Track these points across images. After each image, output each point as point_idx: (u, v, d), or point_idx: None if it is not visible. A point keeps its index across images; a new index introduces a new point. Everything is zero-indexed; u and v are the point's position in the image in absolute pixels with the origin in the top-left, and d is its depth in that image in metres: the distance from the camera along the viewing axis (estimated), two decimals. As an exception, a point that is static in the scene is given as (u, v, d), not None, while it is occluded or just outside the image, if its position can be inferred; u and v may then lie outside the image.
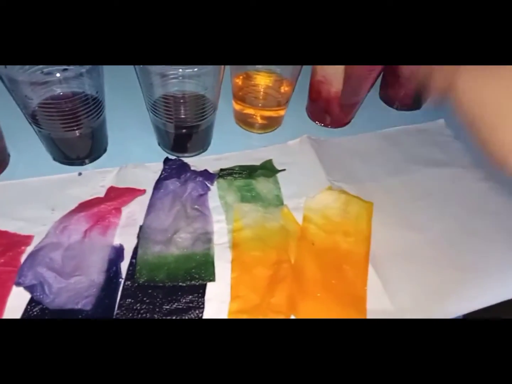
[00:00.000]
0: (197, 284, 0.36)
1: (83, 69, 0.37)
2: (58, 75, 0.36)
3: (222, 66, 0.41)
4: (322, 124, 0.51)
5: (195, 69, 0.37)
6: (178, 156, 0.46)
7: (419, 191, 0.45)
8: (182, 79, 0.40)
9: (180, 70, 0.38)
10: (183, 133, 0.44)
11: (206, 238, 0.39)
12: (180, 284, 0.36)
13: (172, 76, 0.40)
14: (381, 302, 0.37)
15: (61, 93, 0.40)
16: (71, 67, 0.36)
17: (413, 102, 0.54)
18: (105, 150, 0.46)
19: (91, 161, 0.45)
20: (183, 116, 0.42)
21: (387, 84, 0.54)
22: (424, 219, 0.43)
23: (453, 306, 0.37)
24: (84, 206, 0.40)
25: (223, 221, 0.41)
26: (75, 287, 0.35)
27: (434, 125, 0.52)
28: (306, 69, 0.48)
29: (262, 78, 0.48)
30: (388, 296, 0.37)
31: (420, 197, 0.45)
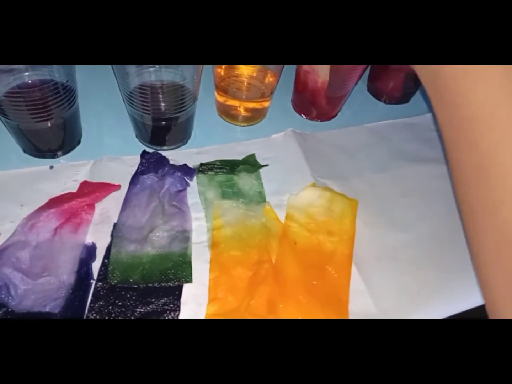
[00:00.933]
0: (173, 285, 0.34)
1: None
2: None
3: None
4: (308, 117, 0.50)
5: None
6: (156, 149, 0.44)
7: (406, 188, 0.44)
8: (159, 68, 0.38)
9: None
10: (161, 125, 0.41)
11: (184, 236, 0.37)
12: (155, 285, 0.34)
13: (149, 66, 0.38)
14: (364, 304, 0.35)
15: (29, 81, 0.37)
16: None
17: (402, 95, 0.52)
18: (78, 142, 0.43)
19: (64, 154, 0.42)
20: (161, 107, 0.40)
21: (375, 75, 0.52)
22: (410, 217, 0.42)
23: (438, 308, 0.36)
24: (55, 202, 0.38)
25: (202, 219, 0.39)
26: (43, 289, 0.33)
27: (422, 119, 0.51)
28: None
29: (245, 68, 0.46)
30: (371, 298, 0.36)
31: (407, 194, 0.44)
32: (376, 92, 0.53)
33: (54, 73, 0.37)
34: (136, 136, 0.45)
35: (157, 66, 0.38)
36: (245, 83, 0.46)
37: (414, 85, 0.51)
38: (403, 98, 0.53)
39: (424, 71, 0.26)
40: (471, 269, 0.38)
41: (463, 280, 0.37)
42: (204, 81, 0.45)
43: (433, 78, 0.26)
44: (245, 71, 0.46)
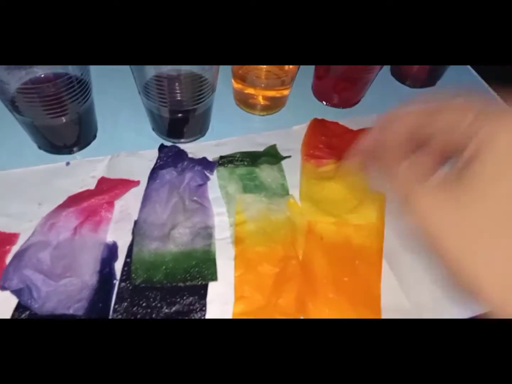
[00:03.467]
0: (198, 284, 0.33)
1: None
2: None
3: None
4: (330, 104, 0.48)
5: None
6: (174, 142, 0.42)
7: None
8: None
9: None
10: (178, 118, 0.40)
11: (207, 233, 0.36)
12: (180, 284, 0.33)
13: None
14: (397, 299, 0.34)
15: (42, 75, 0.36)
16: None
17: (428, 78, 0.50)
18: (94, 137, 0.42)
19: (80, 149, 0.41)
20: (178, 99, 0.39)
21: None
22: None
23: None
24: (73, 200, 0.36)
25: (225, 214, 0.38)
26: (66, 290, 0.32)
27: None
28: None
29: (264, 55, 0.43)
30: (404, 293, 0.34)
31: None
32: (400, 75, 0.51)
33: (68, 66, 0.35)
34: (153, 129, 0.43)
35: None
36: (264, 71, 0.44)
37: (441, 67, 0.49)
38: (429, 81, 0.50)
39: None
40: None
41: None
42: (221, 69, 0.43)
43: None
44: (264, 57, 0.44)
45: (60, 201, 0.37)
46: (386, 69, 0.51)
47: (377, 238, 0.37)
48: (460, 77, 0.52)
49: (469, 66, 0.54)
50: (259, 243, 0.36)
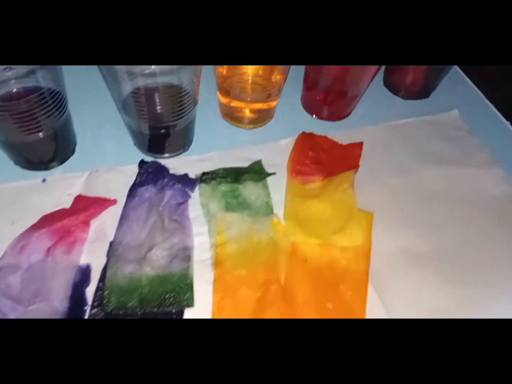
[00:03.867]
0: (173, 310, 0.32)
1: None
2: (7, 73, 0.30)
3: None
4: (319, 117, 0.46)
5: (165, 66, 0.32)
6: (156, 157, 0.41)
7: (429, 193, 0.40)
8: (153, 71, 0.35)
9: (153, 66, 0.32)
10: (159, 133, 0.38)
11: (185, 255, 0.35)
12: (154, 310, 0.32)
13: (142, 70, 0.34)
14: (383, 328, 0.32)
15: (14, 90, 0.34)
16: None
17: (422, 90, 0.48)
18: (73, 151, 0.41)
19: (58, 164, 0.40)
20: (158, 114, 0.37)
21: (393, 68, 0.48)
22: (434, 226, 0.38)
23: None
24: (47, 220, 0.35)
25: (205, 234, 0.36)
26: (34, 316, 0.31)
27: (446, 117, 0.46)
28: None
29: (250, 66, 0.42)
30: (391, 321, 0.32)
31: (430, 200, 0.40)
32: (393, 86, 0.49)
33: (39, 79, 0.34)
34: (134, 144, 0.42)
35: (151, 68, 0.34)
36: (250, 83, 0.42)
37: (436, 78, 0.47)
38: (423, 93, 0.48)
39: None
40: (502, 285, 0.35)
41: (497, 296, 0.34)
42: (207, 80, 0.42)
43: None
44: (250, 69, 0.42)
45: (35, 220, 0.35)
46: (379, 80, 0.50)
47: (364, 261, 0.35)
48: (455, 88, 0.50)
49: (465, 77, 0.52)
50: (239, 265, 0.34)
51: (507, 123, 0.46)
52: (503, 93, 0.52)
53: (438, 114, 0.46)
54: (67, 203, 0.37)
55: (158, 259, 0.34)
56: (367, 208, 0.38)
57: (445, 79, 0.48)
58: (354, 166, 0.40)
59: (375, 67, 0.41)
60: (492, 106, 0.48)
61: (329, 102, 0.44)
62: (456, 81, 0.51)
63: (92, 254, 0.34)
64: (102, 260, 0.34)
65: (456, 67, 0.52)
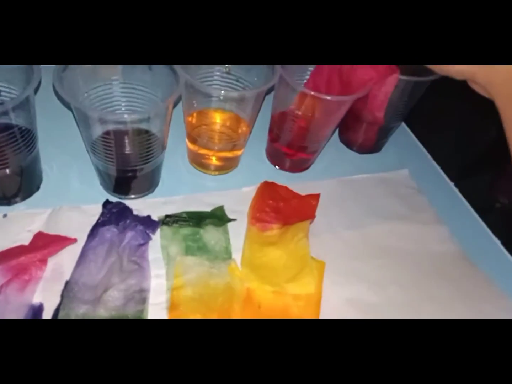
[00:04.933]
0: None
1: (10, 105, 0.33)
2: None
3: (171, 107, 0.37)
4: (281, 168, 0.49)
5: (137, 116, 0.34)
6: (120, 197, 0.42)
7: (378, 247, 0.43)
8: (122, 114, 0.36)
9: (125, 115, 0.34)
10: (126, 176, 0.40)
11: (141, 297, 0.35)
12: (104, 353, 0.32)
13: (113, 120, 0.36)
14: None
15: (-17, 127, 0.35)
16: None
17: (373, 145, 0.52)
18: (38, 188, 0.41)
19: (21, 200, 0.40)
20: (126, 158, 0.39)
21: (347, 127, 0.51)
22: (381, 280, 0.40)
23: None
24: (4, 256, 0.35)
25: (163, 276, 0.37)
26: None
27: (397, 175, 0.50)
28: (265, 108, 0.45)
29: (218, 116, 0.45)
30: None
31: (378, 254, 0.42)
32: (348, 142, 0.53)
33: (11, 118, 0.35)
34: (100, 184, 0.43)
35: (124, 117, 0.36)
36: (217, 132, 0.45)
37: (385, 135, 0.51)
38: (375, 147, 0.52)
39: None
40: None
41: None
42: (177, 124, 0.44)
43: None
44: (218, 119, 0.45)
45: (-9, 256, 0.35)
46: (335, 136, 0.54)
47: (314, 310, 0.37)
48: (404, 142, 0.55)
49: (411, 133, 0.57)
50: (194, 310, 0.35)
51: (451, 184, 0.51)
52: (448, 152, 0.58)
53: (389, 171, 0.50)
54: (26, 240, 0.37)
55: (113, 300, 0.34)
56: (320, 257, 0.40)
57: (395, 135, 0.52)
58: (311, 216, 0.43)
59: (332, 126, 0.45)
60: (438, 167, 0.53)
61: (290, 155, 0.47)
62: (404, 135, 0.56)
63: (46, 292, 0.34)
64: (56, 300, 0.34)
65: (403, 124, 0.56)
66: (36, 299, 0.34)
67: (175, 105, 0.41)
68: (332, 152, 0.51)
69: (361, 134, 0.50)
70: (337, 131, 0.53)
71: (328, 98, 0.39)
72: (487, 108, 0.31)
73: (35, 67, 0.34)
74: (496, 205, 0.56)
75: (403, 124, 0.56)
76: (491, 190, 0.59)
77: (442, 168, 0.53)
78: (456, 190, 0.50)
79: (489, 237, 0.46)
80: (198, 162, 0.46)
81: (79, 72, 0.37)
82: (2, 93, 0.37)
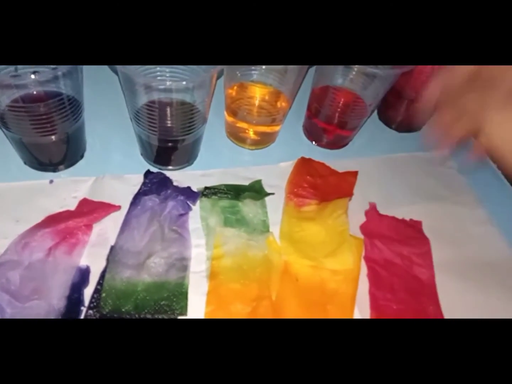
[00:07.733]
0: (165, 318, 0.33)
1: (60, 71, 0.33)
2: (31, 76, 0.32)
3: (214, 78, 0.37)
4: (318, 145, 0.48)
5: (184, 83, 0.34)
6: (160, 169, 0.42)
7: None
8: (169, 86, 0.36)
9: (168, 82, 0.34)
10: (167, 146, 0.40)
11: (182, 265, 0.36)
12: (148, 316, 0.33)
13: (158, 88, 0.36)
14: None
15: (34, 92, 0.36)
16: (45, 68, 0.33)
17: (412, 124, 0.50)
18: (82, 156, 0.42)
19: (66, 167, 0.41)
20: (168, 128, 0.39)
21: (387, 105, 0.50)
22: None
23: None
24: (51, 220, 0.36)
25: (203, 246, 0.38)
26: (31, 313, 0.31)
27: (438, 155, 0.49)
28: (304, 85, 0.44)
29: (258, 91, 0.44)
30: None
31: (416, 233, 0.42)
32: (387, 120, 0.52)
33: (61, 86, 0.36)
34: (141, 154, 0.43)
35: (167, 84, 0.36)
36: (256, 106, 0.45)
37: (429, 114, 0.50)
38: (415, 126, 0.51)
39: None
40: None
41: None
42: (215, 100, 0.44)
43: None
44: (258, 93, 0.45)
45: (39, 219, 0.36)
46: (374, 115, 0.52)
47: (352, 285, 0.37)
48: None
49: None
50: (233, 279, 0.36)
51: (493, 165, 0.49)
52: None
53: (429, 151, 0.49)
54: (72, 206, 0.38)
55: (156, 267, 0.35)
56: (358, 235, 0.40)
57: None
58: (348, 194, 0.43)
59: (375, 102, 0.44)
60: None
61: (328, 132, 0.47)
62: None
63: (92, 256, 0.35)
64: (102, 264, 0.35)
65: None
66: (83, 262, 0.35)
67: (218, 78, 0.41)
68: (371, 131, 0.50)
69: (402, 112, 0.49)
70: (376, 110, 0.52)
71: (377, 71, 0.38)
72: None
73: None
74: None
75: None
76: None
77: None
78: (499, 172, 0.49)
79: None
80: (236, 135, 0.46)
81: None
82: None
